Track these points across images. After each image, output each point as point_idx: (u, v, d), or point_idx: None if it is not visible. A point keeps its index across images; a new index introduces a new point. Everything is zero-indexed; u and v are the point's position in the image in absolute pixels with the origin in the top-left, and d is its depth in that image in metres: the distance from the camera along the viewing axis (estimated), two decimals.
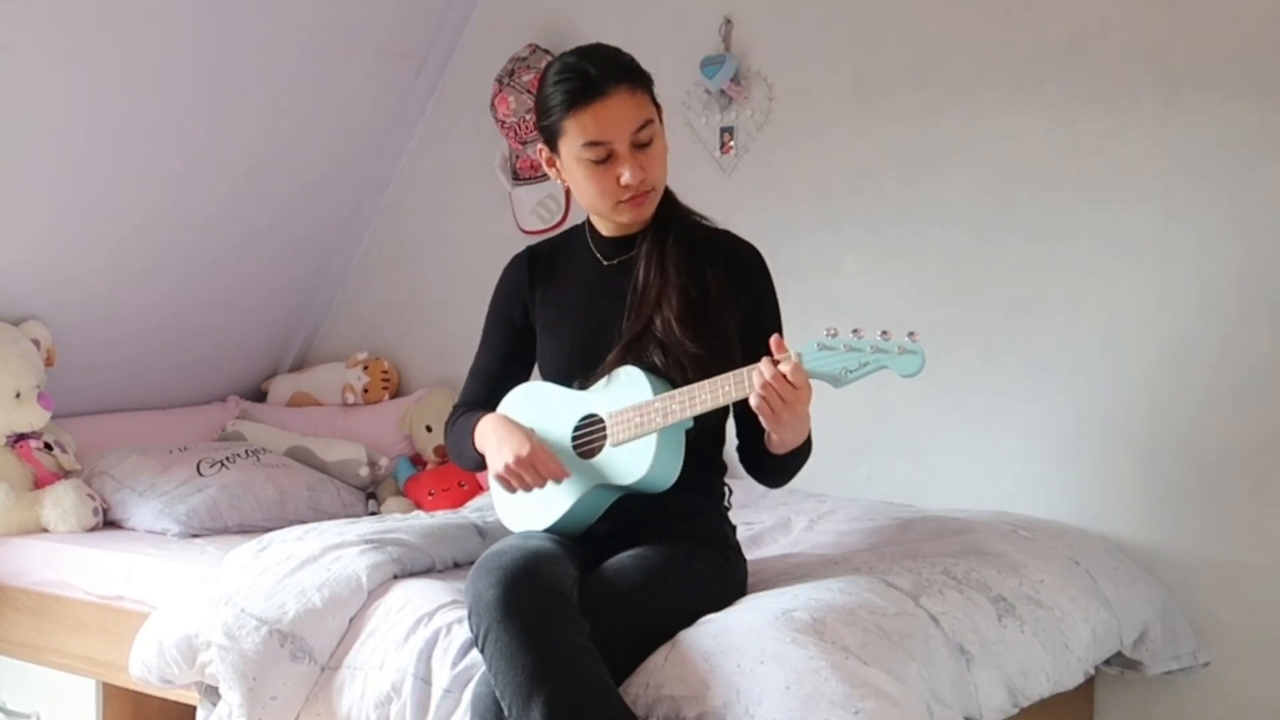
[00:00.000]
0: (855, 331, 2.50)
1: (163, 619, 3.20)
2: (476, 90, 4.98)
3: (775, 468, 2.87)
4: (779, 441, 2.70)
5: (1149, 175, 3.68)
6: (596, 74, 2.73)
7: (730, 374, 2.61)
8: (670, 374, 2.75)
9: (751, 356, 2.62)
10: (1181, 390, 3.65)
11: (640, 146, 2.76)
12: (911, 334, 2.47)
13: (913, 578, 2.89)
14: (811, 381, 2.56)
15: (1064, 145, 3.81)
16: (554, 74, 2.79)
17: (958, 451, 4.01)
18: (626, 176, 2.75)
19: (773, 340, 2.56)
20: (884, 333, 2.48)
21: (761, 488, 3.06)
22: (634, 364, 2.78)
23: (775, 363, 2.54)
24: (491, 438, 2.85)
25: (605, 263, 2.96)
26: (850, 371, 2.51)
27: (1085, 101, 3.76)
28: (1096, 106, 3.75)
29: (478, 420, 2.93)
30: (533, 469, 2.75)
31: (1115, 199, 3.72)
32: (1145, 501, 3.71)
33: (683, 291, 2.81)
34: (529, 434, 2.81)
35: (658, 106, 2.84)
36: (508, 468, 2.76)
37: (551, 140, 2.83)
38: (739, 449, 2.95)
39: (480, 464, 2.93)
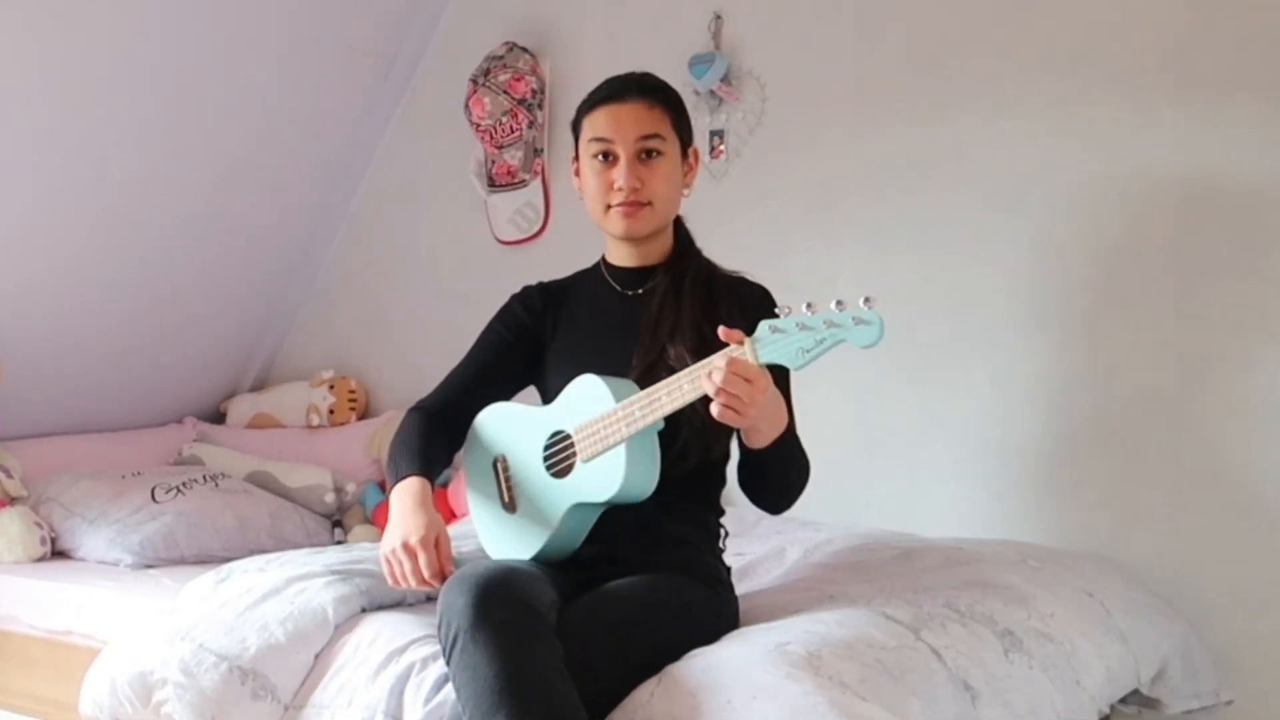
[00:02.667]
0: (809, 306, 2.51)
1: (115, 655, 3.20)
2: (450, 91, 5.00)
3: (771, 477, 2.90)
4: (759, 436, 2.74)
5: (1167, 182, 3.70)
6: (623, 83, 3.04)
7: (684, 372, 2.65)
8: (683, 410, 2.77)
9: None
10: (1202, 411, 3.67)
11: (643, 157, 2.98)
12: (867, 300, 2.46)
13: (914, 610, 2.91)
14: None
15: (1077, 150, 3.83)
16: (596, 86, 3.08)
17: (962, 477, 4.03)
18: (620, 179, 2.96)
19: (722, 330, 2.60)
20: (839, 303, 2.48)
21: (753, 516, 3.07)
22: (613, 378, 2.82)
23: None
24: (398, 507, 2.89)
25: (621, 291, 3.10)
26: (806, 351, 2.51)
27: (1100, 103, 3.79)
28: (1111, 109, 3.78)
29: (411, 471, 2.95)
30: (414, 560, 2.78)
31: (1131, 208, 3.75)
32: (1164, 528, 3.73)
33: (696, 327, 2.92)
34: (432, 522, 2.83)
35: (682, 139, 3.06)
36: (393, 552, 2.81)
37: (576, 139, 3.10)
38: (739, 472, 2.96)
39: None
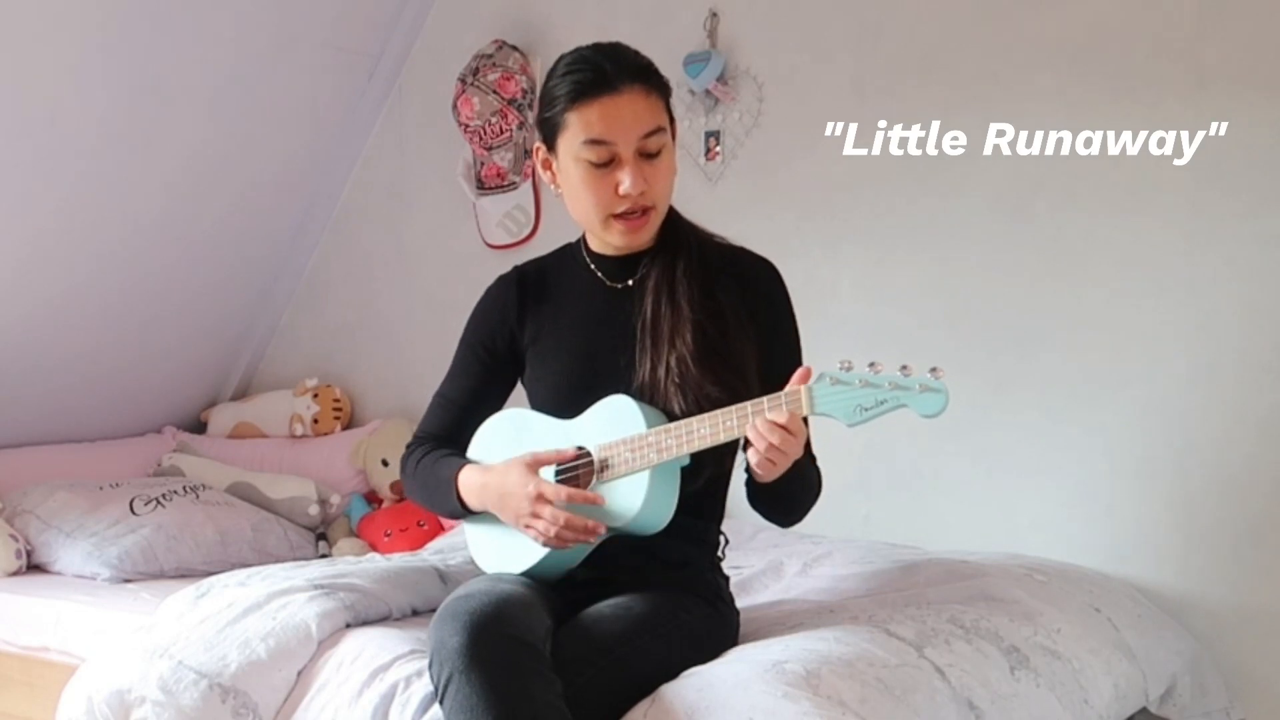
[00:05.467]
0: (872, 365, 2.49)
1: (92, 672, 3.19)
2: (437, 91, 5.00)
3: (778, 499, 2.84)
4: (771, 473, 2.67)
5: (1177, 184, 3.69)
6: (610, 68, 2.73)
7: (733, 408, 2.61)
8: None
9: (767, 387, 2.63)
10: (1213, 421, 3.66)
11: (647, 156, 2.75)
12: (934, 370, 2.45)
13: (916, 626, 2.91)
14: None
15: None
16: (564, 65, 2.79)
17: (966, 488, 4.03)
18: (626, 185, 2.73)
19: (799, 375, 2.56)
20: (904, 368, 2.47)
21: (749, 529, 3.06)
22: (648, 405, 2.77)
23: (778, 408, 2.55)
24: (483, 495, 2.84)
25: (608, 284, 2.95)
26: (865, 410, 2.49)
27: (1108, 103, 3.78)
28: (1120, 109, 3.76)
29: (456, 470, 2.92)
30: (553, 508, 2.71)
31: (1140, 211, 3.74)
32: (1173, 543, 3.72)
33: (697, 327, 2.80)
34: (518, 471, 2.78)
35: (672, 120, 2.84)
36: (533, 515, 2.74)
37: (550, 136, 2.82)
38: (746, 483, 2.87)
39: (458, 514, 2.96)
